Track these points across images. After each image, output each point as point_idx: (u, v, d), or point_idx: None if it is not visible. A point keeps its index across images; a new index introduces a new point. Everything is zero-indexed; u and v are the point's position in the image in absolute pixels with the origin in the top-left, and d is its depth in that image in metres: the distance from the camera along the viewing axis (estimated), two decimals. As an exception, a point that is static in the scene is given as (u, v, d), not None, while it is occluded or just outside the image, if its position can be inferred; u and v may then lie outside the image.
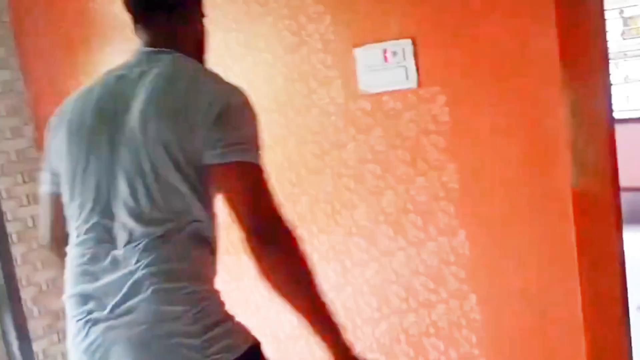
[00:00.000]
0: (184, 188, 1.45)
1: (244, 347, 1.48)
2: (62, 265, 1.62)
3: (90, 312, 1.46)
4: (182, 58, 1.56)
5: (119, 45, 3.09)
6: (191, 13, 1.64)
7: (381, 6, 2.33)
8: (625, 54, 5.24)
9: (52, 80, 3.43)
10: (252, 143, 1.49)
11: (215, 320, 1.47)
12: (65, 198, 1.57)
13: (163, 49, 1.57)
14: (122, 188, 1.45)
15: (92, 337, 1.45)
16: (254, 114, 1.53)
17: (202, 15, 1.70)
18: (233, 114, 1.46)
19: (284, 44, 2.59)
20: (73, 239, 1.56)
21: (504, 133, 2.16)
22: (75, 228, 1.54)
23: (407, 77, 2.32)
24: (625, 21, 5.13)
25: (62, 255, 1.62)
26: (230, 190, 1.46)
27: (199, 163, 1.45)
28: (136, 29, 1.60)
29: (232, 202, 1.45)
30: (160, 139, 1.43)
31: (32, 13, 3.40)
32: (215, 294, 1.54)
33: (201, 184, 1.47)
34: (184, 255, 1.46)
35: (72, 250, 1.55)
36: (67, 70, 3.36)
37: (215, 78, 1.55)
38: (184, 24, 1.61)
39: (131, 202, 1.45)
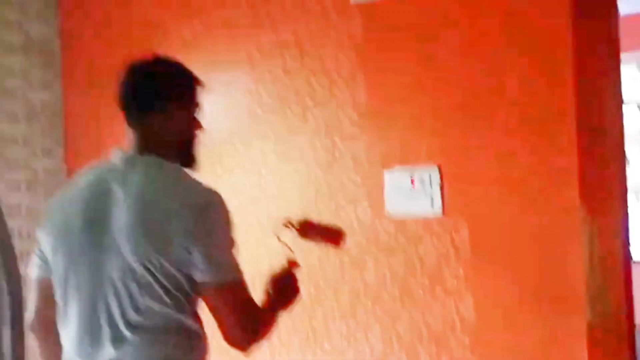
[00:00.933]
0: (165, 297, 1.52)
1: None
2: (43, 349, 1.68)
3: None
4: (160, 165, 1.60)
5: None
6: (178, 112, 1.66)
7: (411, 132, 2.44)
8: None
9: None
10: (230, 257, 1.56)
11: None
12: (57, 293, 1.63)
13: (145, 151, 1.61)
14: (109, 293, 1.54)
15: None
16: (228, 217, 1.58)
17: (194, 109, 1.71)
18: (209, 221, 1.53)
19: (318, 160, 2.69)
20: (63, 335, 1.62)
21: (522, 268, 2.18)
22: (65, 326, 1.61)
23: (432, 205, 2.38)
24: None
25: (44, 339, 1.68)
26: (212, 308, 1.57)
27: (180, 271, 1.52)
28: (127, 124, 1.65)
29: (214, 314, 1.57)
30: (139, 251, 1.51)
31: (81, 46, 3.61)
32: None
33: (181, 290, 1.54)
34: (166, 348, 1.55)
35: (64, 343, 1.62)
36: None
37: (189, 184, 1.60)
38: (169, 124, 1.64)
39: (116, 307, 1.53)
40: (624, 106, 2.16)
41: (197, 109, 1.72)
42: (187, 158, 1.69)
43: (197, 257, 1.50)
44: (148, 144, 1.62)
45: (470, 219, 2.30)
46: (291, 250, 1.78)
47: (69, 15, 3.68)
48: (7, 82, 3.52)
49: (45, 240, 1.65)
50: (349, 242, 2.56)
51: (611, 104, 2.05)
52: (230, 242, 1.57)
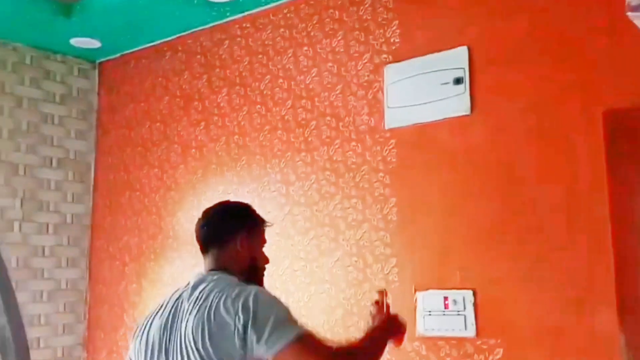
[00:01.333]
0: None
1: None
2: None
3: None
4: (224, 276, 1.87)
5: (188, 259, 3.31)
6: (239, 245, 1.97)
7: (444, 257, 2.51)
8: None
9: (114, 283, 3.62)
10: (284, 320, 1.71)
11: None
12: None
13: (214, 270, 1.91)
14: None
15: None
16: (273, 298, 1.79)
17: (260, 243, 2.04)
18: (255, 305, 1.73)
19: (348, 279, 2.75)
20: None
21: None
22: None
23: (465, 327, 2.41)
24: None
25: None
26: None
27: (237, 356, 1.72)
28: (203, 255, 2.01)
29: None
30: (196, 344, 1.75)
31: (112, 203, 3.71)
32: None
33: None
34: None
35: None
36: (132, 277, 3.56)
37: (238, 286, 1.82)
38: (232, 252, 1.96)
39: None
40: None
41: (263, 244, 2.04)
42: (256, 281, 1.95)
43: (251, 336, 1.69)
44: (222, 264, 1.93)
45: (506, 341, 2.32)
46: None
47: (105, 133, 3.89)
48: (41, 193, 3.66)
49: (131, 350, 1.95)
50: (379, 362, 2.58)
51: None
52: (279, 312, 1.73)
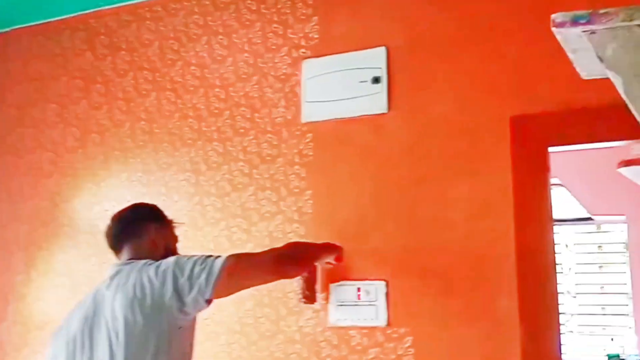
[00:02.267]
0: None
1: None
2: None
3: None
4: (141, 260, 2.04)
5: (85, 248, 3.17)
6: (153, 235, 2.18)
7: (358, 249, 2.59)
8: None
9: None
10: (205, 259, 1.93)
11: None
12: None
13: (132, 259, 2.09)
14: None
15: None
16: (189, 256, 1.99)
17: (166, 235, 2.25)
18: (174, 265, 1.92)
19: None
20: None
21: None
22: None
23: (377, 316, 2.50)
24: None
25: None
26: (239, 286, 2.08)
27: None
28: (116, 254, 2.18)
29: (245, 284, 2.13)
30: (127, 324, 1.87)
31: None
32: None
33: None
34: None
35: None
36: (19, 267, 3.35)
37: (156, 261, 2.00)
38: (147, 243, 2.17)
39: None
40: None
41: (172, 226, 2.28)
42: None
43: (183, 289, 1.88)
44: (138, 254, 2.10)
45: (415, 330, 2.44)
46: None
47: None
48: None
49: (51, 345, 2.08)
50: (289, 352, 2.62)
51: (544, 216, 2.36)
52: (197, 258, 1.94)
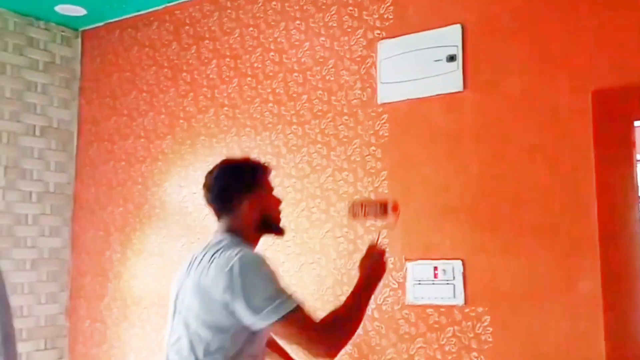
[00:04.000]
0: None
1: None
2: None
3: None
4: (225, 241, 1.92)
5: (175, 229, 3.34)
6: (247, 207, 1.99)
7: (434, 229, 2.59)
8: None
9: (97, 252, 3.63)
10: (275, 296, 1.78)
11: None
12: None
13: (229, 232, 1.96)
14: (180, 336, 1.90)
15: None
16: (259, 266, 1.83)
17: (267, 191, 2.05)
18: (242, 277, 1.78)
19: (338, 249, 2.82)
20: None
21: (541, 354, 2.28)
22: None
23: (454, 295, 2.51)
24: None
25: None
26: (286, 341, 1.88)
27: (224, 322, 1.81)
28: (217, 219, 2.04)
29: (290, 343, 1.89)
30: (191, 308, 1.86)
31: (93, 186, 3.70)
32: None
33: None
34: None
35: None
36: (116, 247, 3.58)
37: (228, 249, 1.86)
38: (242, 214, 1.99)
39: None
40: None
41: (271, 190, 2.07)
42: (274, 229, 2.04)
43: (239, 309, 1.77)
44: (231, 227, 1.98)
45: (493, 309, 2.42)
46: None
47: (88, 103, 3.86)
48: (25, 162, 3.63)
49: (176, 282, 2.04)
50: (368, 329, 2.67)
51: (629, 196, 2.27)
52: (267, 287, 1.79)
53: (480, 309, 2.46)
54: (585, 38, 2.37)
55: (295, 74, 3.06)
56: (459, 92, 2.61)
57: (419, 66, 2.71)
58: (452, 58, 2.63)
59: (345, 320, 1.91)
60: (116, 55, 3.76)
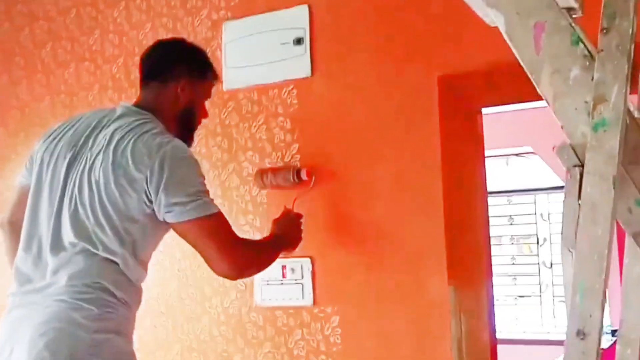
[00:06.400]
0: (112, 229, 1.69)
1: None
2: (10, 244, 1.87)
3: None
4: (147, 122, 1.77)
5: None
6: (179, 87, 1.88)
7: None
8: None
9: None
10: (202, 194, 1.70)
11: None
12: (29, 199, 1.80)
13: (143, 107, 1.83)
14: (65, 209, 1.71)
15: None
16: (191, 160, 1.75)
17: (200, 93, 1.96)
18: (170, 165, 1.66)
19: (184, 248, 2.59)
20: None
21: (390, 356, 2.17)
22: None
23: (302, 295, 2.34)
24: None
25: (11, 237, 1.86)
26: (190, 242, 1.74)
27: (138, 214, 1.68)
28: (140, 88, 1.93)
29: (195, 248, 1.75)
30: (102, 188, 1.67)
31: None
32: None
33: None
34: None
35: None
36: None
37: (157, 133, 1.73)
38: (169, 93, 1.88)
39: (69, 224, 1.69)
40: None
41: (204, 97, 1.99)
42: (183, 133, 1.88)
43: (160, 200, 1.65)
44: (151, 103, 1.84)
45: (342, 308, 2.28)
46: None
47: None
48: None
49: (35, 151, 1.84)
50: (214, 334, 2.47)
51: (477, 188, 2.17)
52: (194, 184, 1.70)
53: (329, 309, 2.31)
54: (431, 20, 2.25)
55: (137, 57, 2.77)
56: (307, 77, 2.43)
57: (265, 50, 2.51)
58: (299, 41, 2.45)
59: (260, 251, 1.92)
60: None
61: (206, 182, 1.78)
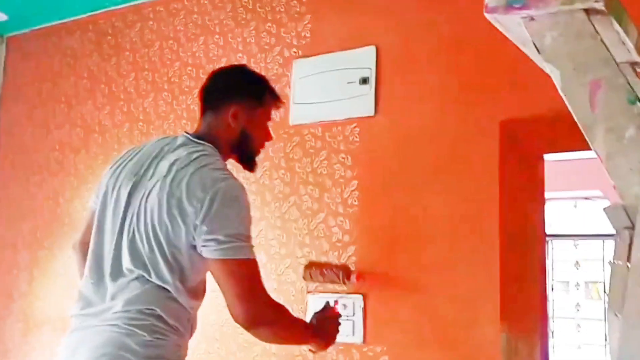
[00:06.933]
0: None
1: None
2: (80, 265, 1.89)
3: None
4: (204, 153, 1.75)
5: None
6: (230, 115, 1.84)
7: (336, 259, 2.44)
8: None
9: (3, 271, 3.42)
10: (241, 237, 1.66)
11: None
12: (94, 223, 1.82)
13: (201, 136, 1.82)
14: (125, 236, 1.72)
15: None
16: (243, 203, 1.71)
17: (262, 117, 1.92)
18: (222, 200, 1.64)
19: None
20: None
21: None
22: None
23: (353, 332, 2.34)
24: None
25: (81, 258, 1.87)
26: (221, 283, 1.66)
27: (185, 244, 1.66)
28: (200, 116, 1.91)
29: (219, 286, 1.67)
30: (156, 216, 1.68)
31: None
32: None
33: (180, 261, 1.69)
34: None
35: None
36: (23, 265, 3.37)
37: (216, 168, 1.72)
38: (222, 121, 1.85)
39: (127, 251, 1.71)
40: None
41: (263, 120, 1.93)
42: (242, 159, 1.91)
43: (201, 232, 1.63)
44: (207, 131, 1.84)
45: (392, 348, 2.26)
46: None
47: (7, 112, 3.68)
48: None
49: (103, 177, 1.87)
50: (264, 365, 2.49)
51: (535, 235, 2.12)
52: (236, 226, 1.66)
53: (378, 349, 2.30)
54: (499, 66, 2.25)
55: (211, 90, 2.90)
56: (370, 116, 2.47)
57: (332, 88, 2.57)
58: (365, 81, 2.50)
59: (284, 319, 1.80)
60: (38, 63, 3.60)
61: (252, 227, 1.71)
